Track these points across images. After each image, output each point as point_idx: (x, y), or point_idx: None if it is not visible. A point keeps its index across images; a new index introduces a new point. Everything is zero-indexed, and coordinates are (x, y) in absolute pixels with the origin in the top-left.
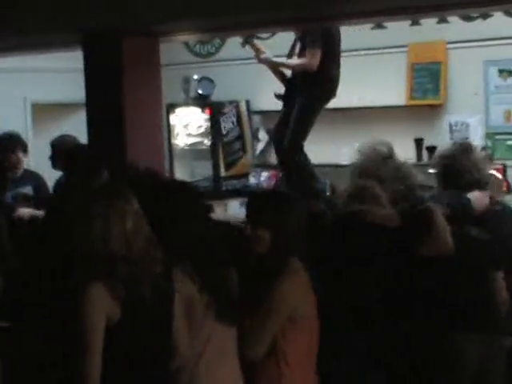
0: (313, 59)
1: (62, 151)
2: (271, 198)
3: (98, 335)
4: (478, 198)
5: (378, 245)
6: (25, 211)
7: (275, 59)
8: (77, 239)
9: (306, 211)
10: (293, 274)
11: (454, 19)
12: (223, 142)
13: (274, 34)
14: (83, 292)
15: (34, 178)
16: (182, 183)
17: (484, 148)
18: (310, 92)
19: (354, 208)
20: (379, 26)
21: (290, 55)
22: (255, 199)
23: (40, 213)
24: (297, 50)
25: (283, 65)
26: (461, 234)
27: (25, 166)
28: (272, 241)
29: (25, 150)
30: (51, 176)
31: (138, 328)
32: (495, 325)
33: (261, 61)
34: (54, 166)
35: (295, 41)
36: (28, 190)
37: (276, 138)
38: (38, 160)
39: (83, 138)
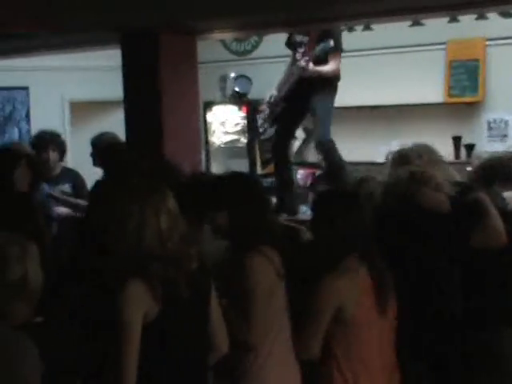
0: (338, 62)
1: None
2: (332, 198)
3: (135, 333)
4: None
5: (431, 231)
6: (63, 209)
7: (317, 68)
8: (112, 236)
9: (368, 209)
10: (342, 272)
11: (492, 16)
12: (260, 140)
13: None
14: (121, 289)
15: (72, 176)
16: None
17: None
18: (329, 90)
19: (411, 191)
20: (417, 23)
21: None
22: (320, 198)
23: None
24: (303, 55)
25: (321, 72)
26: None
27: (63, 164)
28: (326, 239)
29: (62, 148)
30: (90, 173)
31: (174, 325)
32: None
33: (309, 72)
34: (95, 163)
35: (296, 46)
36: (66, 188)
37: (283, 138)
38: (76, 158)
39: (121, 136)
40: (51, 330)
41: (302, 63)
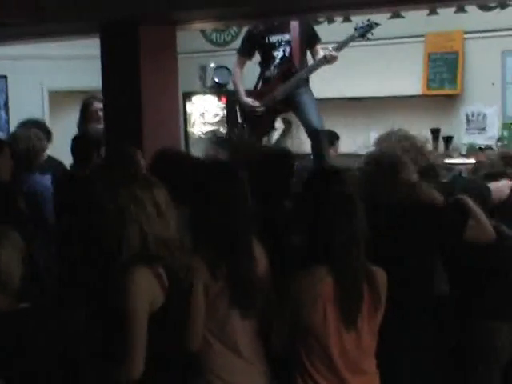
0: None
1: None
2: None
3: (143, 321)
4: (498, 188)
5: (427, 224)
6: None
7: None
8: (115, 226)
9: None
10: (303, 278)
11: (471, 9)
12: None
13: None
14: (128, 277)
15: (55, 166)
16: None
17: (499, 139)
18: (308, 83)
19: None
20: (396, 15)
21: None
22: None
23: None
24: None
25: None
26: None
27: (48, 154)
28: (306, 241)
29: (48, 137)
30: (68, 163)
31: (178, 313)
32: None
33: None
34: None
35: (269, 46)
36: (47, 178)
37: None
38: (54, 147)
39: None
40: (40, 316)
41: (333, 53)
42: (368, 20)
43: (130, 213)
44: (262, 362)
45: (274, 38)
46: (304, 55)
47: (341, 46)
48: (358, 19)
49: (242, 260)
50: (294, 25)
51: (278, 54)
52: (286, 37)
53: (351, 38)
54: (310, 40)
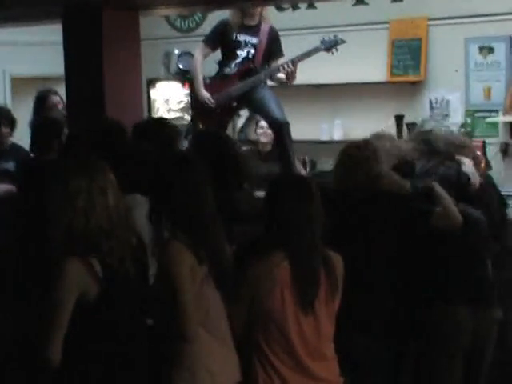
0: None
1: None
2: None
3: (65, 312)
4: (474, 173)
5: (394, 212)
6: (3, 187)
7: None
8: (57, 214)
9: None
10: (262, 264)
11: None
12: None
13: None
14: (59, 267)
15: (19, 153)
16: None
17: (463, 125)
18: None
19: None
20: (361, 2)
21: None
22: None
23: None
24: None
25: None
26: (459, 211)
27: (13, 140)
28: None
29: (11, 124)
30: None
31: (120, 302)
32: (487, 299)
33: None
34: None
35: (235, 45)
36: (10, 166)
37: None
38: (16, 133)
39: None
40: None
41: (294, 72)
42: (335, 36)
43: (68, 202)
44: (234, 347)
45: (241, 38)
46: (265, 62)
47: (304, 56)
48: (322, 6)
49: (217, 244)
50: (264, 31)
51: (242, 53)
52: (254, 40)
53: (315, 50)
54: (273, 51)
